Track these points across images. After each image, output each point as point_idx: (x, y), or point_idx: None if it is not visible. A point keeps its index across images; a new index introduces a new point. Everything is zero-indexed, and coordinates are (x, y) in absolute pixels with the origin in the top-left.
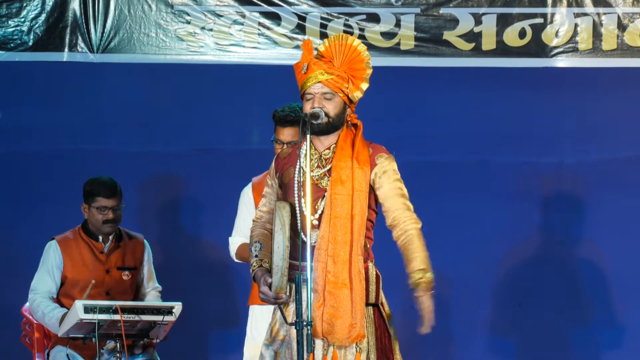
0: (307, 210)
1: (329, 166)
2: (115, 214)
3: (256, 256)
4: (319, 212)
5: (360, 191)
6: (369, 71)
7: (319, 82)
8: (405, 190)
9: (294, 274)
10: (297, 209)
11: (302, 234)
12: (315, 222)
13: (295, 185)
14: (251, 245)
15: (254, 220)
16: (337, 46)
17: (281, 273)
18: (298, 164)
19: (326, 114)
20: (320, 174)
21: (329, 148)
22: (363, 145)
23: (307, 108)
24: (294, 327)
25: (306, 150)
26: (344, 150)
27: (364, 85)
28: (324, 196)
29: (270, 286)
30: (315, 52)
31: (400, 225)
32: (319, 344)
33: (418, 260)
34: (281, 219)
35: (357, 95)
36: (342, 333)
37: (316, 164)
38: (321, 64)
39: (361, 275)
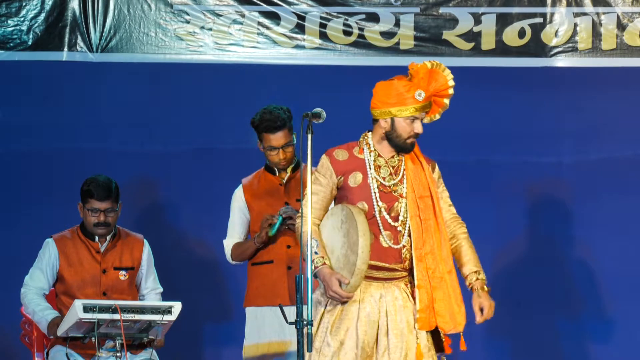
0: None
1: (401, 173)
2: (106, 217)
3: (316, 253)
4: (401, 217)
5: (435, 192)
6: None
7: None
8: None
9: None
10: (377, 214)
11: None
12: (400, 228)
13: (373, 194)
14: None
15: (302, 216)
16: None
17: (362, 275)
18: (369, 171)
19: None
20: (397, 181)
21: (393, 156)
22: (419, 150)
23: (413, 129)
24: (294, 326)
25: (370, 157)
26: (411, 156)
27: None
28: (397, 201)
29: (346, 285)
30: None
31: (450, 227)
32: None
33: (471, 262)
34: (363, 224)
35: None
36: (454, 319)
37: (389, 172)
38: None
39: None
